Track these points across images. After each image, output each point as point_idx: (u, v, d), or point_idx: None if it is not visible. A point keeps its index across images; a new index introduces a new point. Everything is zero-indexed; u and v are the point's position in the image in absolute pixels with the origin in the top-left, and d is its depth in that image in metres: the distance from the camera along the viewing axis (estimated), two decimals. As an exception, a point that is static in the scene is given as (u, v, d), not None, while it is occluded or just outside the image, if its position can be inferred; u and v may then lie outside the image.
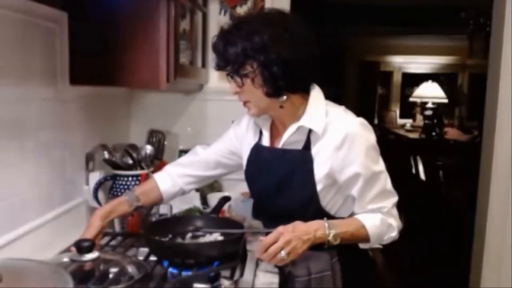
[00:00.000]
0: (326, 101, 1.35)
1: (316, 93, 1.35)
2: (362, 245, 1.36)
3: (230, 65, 1.27)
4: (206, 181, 1.66)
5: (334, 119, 1.30)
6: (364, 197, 1.31)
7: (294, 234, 1.22)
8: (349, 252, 1.33)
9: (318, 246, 1.26)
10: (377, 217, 1.32)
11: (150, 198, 1.52)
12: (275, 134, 1.42)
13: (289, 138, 1.35)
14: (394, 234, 1.35)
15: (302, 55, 1.25)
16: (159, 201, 1.56)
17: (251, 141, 1.47)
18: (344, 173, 1.29)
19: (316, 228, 1.25)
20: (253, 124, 1.47)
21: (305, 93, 1.34)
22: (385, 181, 1.33)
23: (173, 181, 1.54)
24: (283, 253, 1.20)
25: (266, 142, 1.43)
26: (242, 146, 1.50)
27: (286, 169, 1.34)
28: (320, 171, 1.30)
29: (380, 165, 1.33)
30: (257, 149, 1.44)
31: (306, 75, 1.31)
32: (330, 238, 1.25)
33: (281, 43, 1.22)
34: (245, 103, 1.34)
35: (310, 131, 1.32)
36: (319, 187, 1.31)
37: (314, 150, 1.31)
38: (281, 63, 1.22)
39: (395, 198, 1.36)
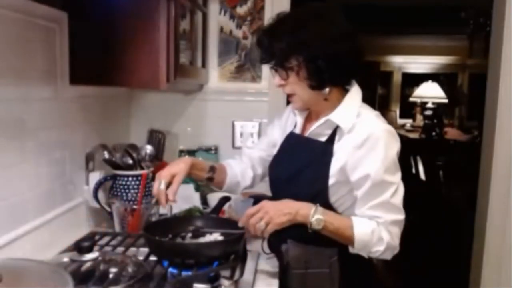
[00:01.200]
0: (362, 103, 1.36)
1: (354, 92, 1.36)
2: (350, 249, 1.31)
3: (275, 59, 1.30)
4: (257, 178, 1.63)
5: (363, 120, 1.31)
6: (366, 201, 1.27)
7: (275, 206, 1.26)
8: (350, 252, 1.32)
9: (315, 239, 1.26)
10: (370, 225, 1.26)
11: (220, 177, 1.54)
12: (307, 124, 1.45)
13: (315, 129, 1.37)
14: (382, 248, 1.26)
15: (346, 48, 1.27)
16: (221, 185, 1.57)
17: (287, 130, 1.52)
18: (356, 172, 1.28)
19: (301, 207, 1.26)
20: (292, 114, 1.51)
21: (344, 88, 1.36)
22: (394, 195, 1.26)
23: (233, 170, 1.58)
24: (262, 222, 1.23)
25: (298, 130, 1.46)
26: (280, 136, 1.54)
27: (305, 158, 1.37)
28: (335, 165, 1.31)
29: (395, 177, 1.28)
30: (289, 136, 1.49)
31: (349, 68, 1.32)
32: (312, 220, 1.24)
33: (326, 37, 1.25)
34: (290, 96, 1.37)
35: (337, 126, 1.33)
36: (331, 181, 1.31)
37: (337, 146, 1.32)
38: (326, 56, 1.25)
39: (398, 216, 1.28)
